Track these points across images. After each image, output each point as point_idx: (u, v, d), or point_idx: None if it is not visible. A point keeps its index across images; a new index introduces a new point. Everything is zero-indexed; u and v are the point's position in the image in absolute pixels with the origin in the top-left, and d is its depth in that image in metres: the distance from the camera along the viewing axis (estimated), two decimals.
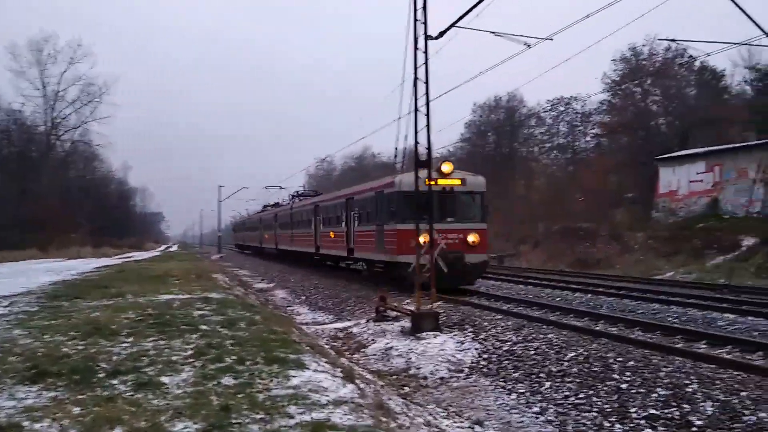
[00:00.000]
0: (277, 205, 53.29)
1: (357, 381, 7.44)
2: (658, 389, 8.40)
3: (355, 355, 12.50)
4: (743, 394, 7.97)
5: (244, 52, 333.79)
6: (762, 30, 18.30)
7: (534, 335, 12.34)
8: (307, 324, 16.59)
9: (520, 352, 11.36)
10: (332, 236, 28.88)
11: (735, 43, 22.66)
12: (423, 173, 16.73)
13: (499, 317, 14.71)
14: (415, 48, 14.53)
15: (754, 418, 7.15)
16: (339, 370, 7.72)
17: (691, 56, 44.23)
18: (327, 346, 12.01)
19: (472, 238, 20.03)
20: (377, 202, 22.42)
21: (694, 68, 50.23)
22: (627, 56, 53.52)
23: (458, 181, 20.51)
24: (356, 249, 25.09)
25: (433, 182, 17.91)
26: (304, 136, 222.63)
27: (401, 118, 15.05)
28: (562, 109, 63.48)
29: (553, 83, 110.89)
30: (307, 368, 7.29)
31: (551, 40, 16.16)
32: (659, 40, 48.22)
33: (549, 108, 63.88)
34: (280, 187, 63.99)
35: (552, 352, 11.02)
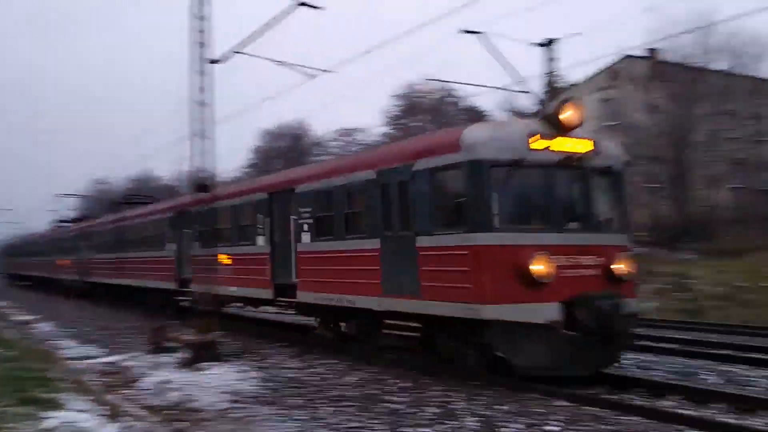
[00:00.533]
0: (84, 219, 39.10)
1: (125, 418, 6.94)
2: (430, 408, 8.93)
3: (127, 391, 11.67)
4: (502, 407, 8.79)
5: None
6: (518, 75, 20.55)
7: (317, 361, 12.60)
8: (73, 359, 15.16)
9: (303, 378, 11.46)
10: (228, 262, 17.05)
11: (494, 87, 24.91)
12: (522, 125, 10.73)
13: (286, 344, 14.81)
14: (198, 71, 14.19)
15: (509, 429, 7.88)
16: (104, 407, 7.16)
17: (457, 98, 48.39)
18: (94, 382, 11.09)
19: (621, 264, 10.46)
20: (392, 192, 11.50)
21: (461, 108, 55.04)
22: (405, 93, 57.31)
23: (590, 145, 10.66)
24: (303, 286, 14.04)
25: (541, 144, 10.15)
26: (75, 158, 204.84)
27: (180, 140, 14.32)
28: (349, 138, 65.90)
29: (342, 114, 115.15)
30: (67, 408, 6.67)
31: (334, 72, 16.61)
32: (429, 80, 52.26)
33: (335, 138, 66.11)
34: (77, 196, 55.37)
35: (333, 376, 11.29)
